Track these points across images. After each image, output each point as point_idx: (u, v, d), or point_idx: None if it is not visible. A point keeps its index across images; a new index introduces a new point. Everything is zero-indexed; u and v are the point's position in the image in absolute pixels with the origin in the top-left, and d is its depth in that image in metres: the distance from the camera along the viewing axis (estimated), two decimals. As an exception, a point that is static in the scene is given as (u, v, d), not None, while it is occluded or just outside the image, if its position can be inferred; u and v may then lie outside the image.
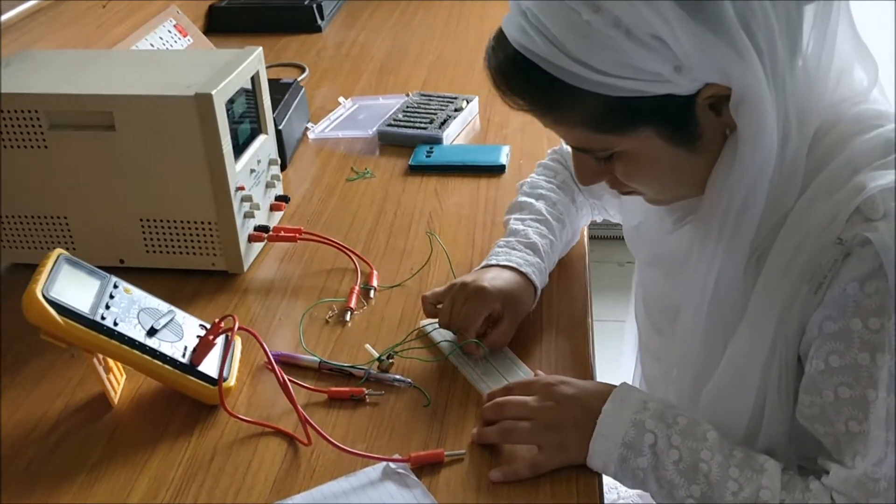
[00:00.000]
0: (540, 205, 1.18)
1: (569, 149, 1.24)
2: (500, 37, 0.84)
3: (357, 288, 1.19)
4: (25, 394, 1.05)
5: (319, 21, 2.22)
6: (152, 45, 1.85)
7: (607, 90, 0.78)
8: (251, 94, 1.25)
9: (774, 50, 0.76)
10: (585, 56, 0.76)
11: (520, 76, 0.82)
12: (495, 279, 1.06)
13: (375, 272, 1.22)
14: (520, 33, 0.80)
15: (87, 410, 1.02)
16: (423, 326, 1.12)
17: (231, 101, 1.17)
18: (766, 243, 0.84)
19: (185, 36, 1.97)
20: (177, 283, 1.22)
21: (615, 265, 2.81)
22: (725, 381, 0.88)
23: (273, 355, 1.07)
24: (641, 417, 0.88)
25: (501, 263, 1.09)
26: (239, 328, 0.98)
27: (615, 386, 0.92)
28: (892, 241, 0.74)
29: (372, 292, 1.19)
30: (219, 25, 2.21)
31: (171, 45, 1.90)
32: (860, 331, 0.77)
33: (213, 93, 1.11)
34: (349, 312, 1.15)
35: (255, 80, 1.25)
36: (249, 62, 1.22)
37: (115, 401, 1.02)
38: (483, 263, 1.12)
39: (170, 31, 1.94)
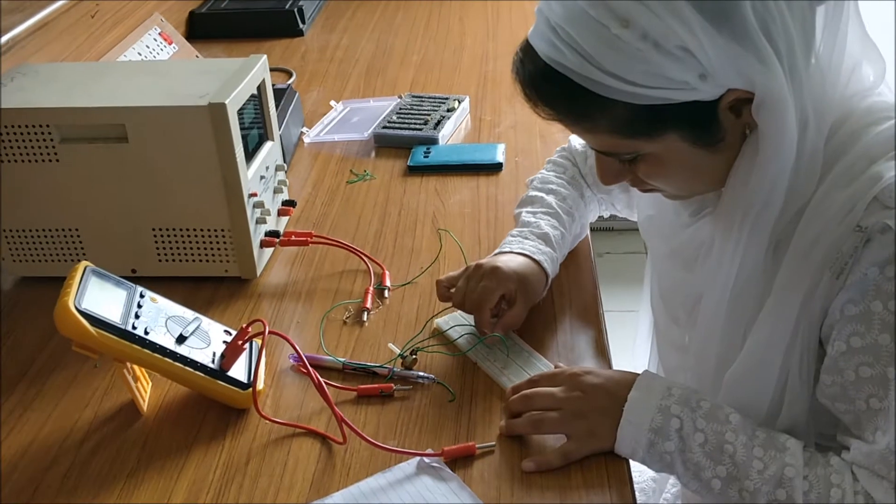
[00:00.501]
0: (550, 199, 1.21)
1: (577, 146, 1.28)
2: (528, 49, 0.87)
3: (371, 288, 1.21)
4: (52, 405, 1.06)
5: (301, 25, 2.23)
6: (140, 55, 1.85)
7: (636, 99, 0.82)
8: (258, 101, 1.27)
9: (793, 52, 0.81)
10: (616, 68, 0.80)
11: (550, 88, 0.86)
12: (510, 262, 1.10)
13: (387, 272, 1.25)
14: (550, 47, 0.84)
15: (117, 419, 1.04)
16: (439, 323, 1.15)
17: (241, 110, 1.19)
18: (785, 233, 0.88)
19: (170, 44, 1.98)
20: (190, 291, 1.23)
21: (620, 255, 2.86)
22: (748, 365, 0.92)
23: (294, 357, 1.09)
24: (667, 403, 0.91)
25: (515, 251, 1.12)
26: (270, 332, 1.00)
27: (638, 374, 0.96)
28: None
29: (386, 292, 1.22)
30: (200, 31, 2.22)
31: (158, 54, 1.91)
32: (881, 312, 0.81)
33: (227, 102, 1.13)
34: (366, 313, 1.17)
35: (261, 87, 1.27)
36: (257, 70, 1.24)
37: (144, 408, 1.04)
38: (496, 251, 1.15)
39: (155, 40, 1.94)
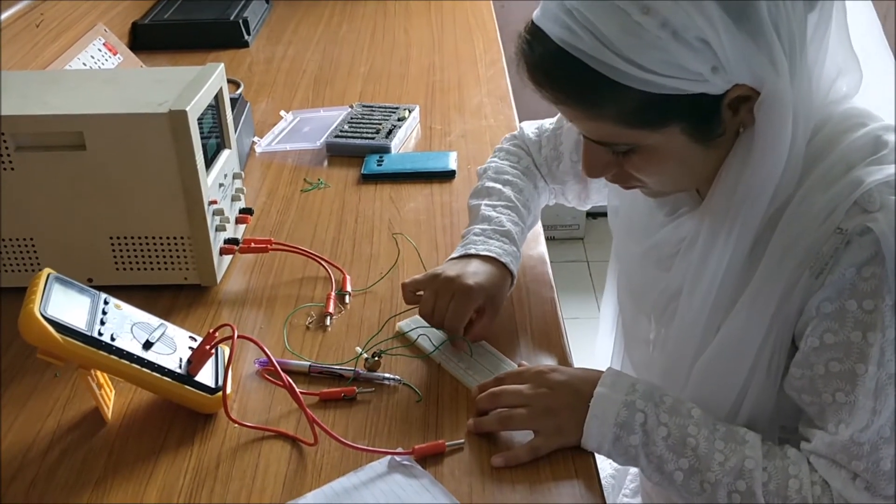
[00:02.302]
0: (508, 191, 1.23)
1: (530, 135, 1.29)
2: (536, 31, 0.87)
3: (333, 294, 1.23)
4: (13, 416, 1.04)
5: (246, 36, 2.23)
6: (85, 65, 1.83)
7: (649, 87, 0.83)
8: (216, 109, 1.27)
9: (795, 54, 0.83)
10: (632, 54, 0.81)
11: (560, 71, 0.86)
12: (477, 274, 1.10)
13: (348, 277, 1.26)
14: (564, 30, 0.84)
15: (81, 427, 1.03)
16: (400, 326, 1.16)
17: (200, 118, 1.19)
18: (765, 233, 0.90)
19: (114, 54, 1.96)
20: (149, 299, 1.22)
21: (560, 264, 2.90)
22: (719, 356, 0.95)
23: (261, 362, 1.10)
24: (632, 398, 0.94)
25: (481, 254, 1.13)
26: (239, 337, 1.00)
27: (602, 371, 0.99)
28: (890, 231, 0.82)
29: (347, 297, 1.23)
30: (144, 43, 2.20)
31: (103, 64, 1.89)
32: (855, 311, 0.84)
33: (188, 109, 1.13)
34: (329, 317, 1.18)
35: (218, 96, 1.28)
36: (215, 78, 1.24)
37: (109, 416, 1.03)
38: (461, 251, 1.15)
39: (100, 50, 1.92)
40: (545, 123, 1.31)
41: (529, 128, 1.32)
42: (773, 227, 0.90)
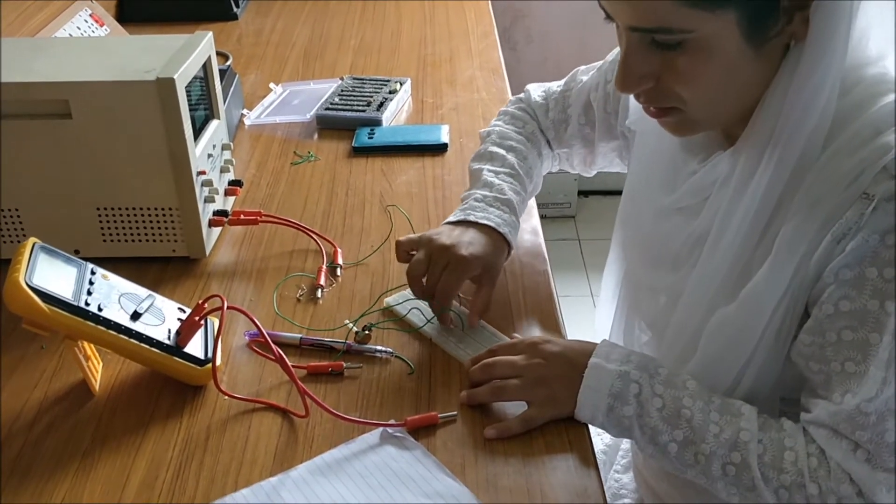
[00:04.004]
0: (511, 158, 1.21)
1: (537, 98, 1.26)
2: None
3: (324, 266, 1.21)
4: (-1, 387, 1.03)
5: (235, 9, 2.20)
6: (71, 35, 1.81)
7: None
8: (204, 79, 1.25)
9: None
10: None
11: None
12: (473, 244, 1.08)
13: (339, 250, 1.25)
14: None
15: (68, 399, 1.01)
16: (388, 302, 1.14)
17: (188, 87, 1.17)
18: (790, 192, 0.87)
19: (101, 25, 1.93)
20: (137, 271, 1.20)
21: (552, 242, 2.88)
22: (735, 314, 0.91)
23: (251, 334, 1.09)
24: (626, 369, 0.93)
25: (480, 222, 1.11)
26: (228, 308, 0.99)
27: (596, 343, 0.98)
28: None
29: (338, 270, 1.21)
30: (131, 14, 2.17)
31: (90, 35, 1.86)
32: (874, 279, 0.82)
33: (176, 76, 1.11)
34: (320, 290, 1.17)
35: (206, 65, 1.25)
36: (203, 47, 1.22)
37: (97, 388, 1.02)
38: (460, 216, 1.13)
39: (86, 21, 1.89)
40: (552, 86, 1.29)
41: (536, 91, 1.30)
42: (797, 187, 0.87)
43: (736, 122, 0.93)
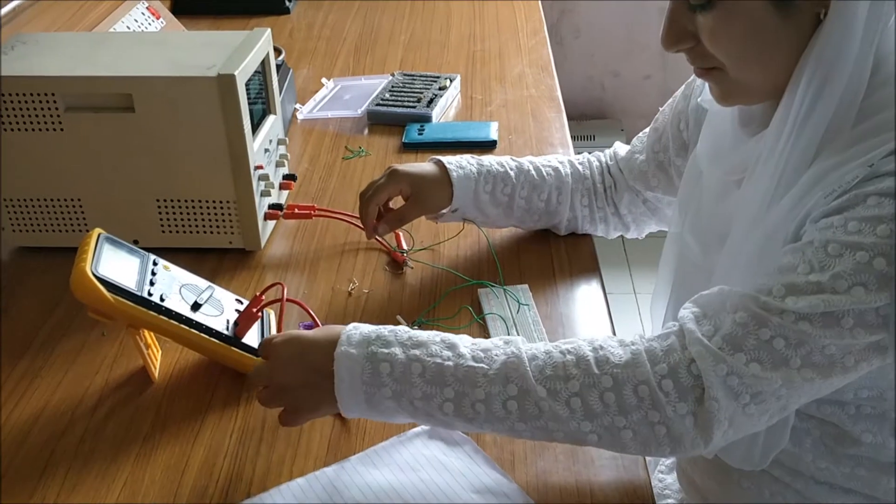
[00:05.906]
0: (527, 165, 1.24)
1: (620, 152, 1.27)
2: None
3: (400, 235, 1.28)
4: (62, 373, 1.06)
5: (288, 3, 2.23)
6: (128, 28, 1.84)
7: None
8: (262, 74, 1.28)
9: None
10: None
11: None
12: (415, 166, 1.20)
13: (401, 234, 1.28)
14: None
15: (128, 386, 1.04)
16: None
17: (247, 82, 1.19)
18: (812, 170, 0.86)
19: (157, 18, 1.96)
20: (194, 262, 1.22)
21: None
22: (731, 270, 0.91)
23: (305, 325, 1.11)
24: (373, 350, 0.86)
25: (435, 159, 1.22)
26: (287, 300, 1.01)
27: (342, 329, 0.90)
28: None
29: (406, 258, 1.25)
30: (185, 7, 2.20)
31: (146, 28, 1.90)
32: (848, 226, 0.80)
33: (236, 73, 1.14)
34: (404, 266, 1.24)
35: (264, 61, 1.28)
36: (262, 43, 1.25)
37: (156, 375, 1.05)
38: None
39: (143, 14, 1.93)
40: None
41: (622, 149, 1.29)
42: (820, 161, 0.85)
43: (776, 92, 0.91)
